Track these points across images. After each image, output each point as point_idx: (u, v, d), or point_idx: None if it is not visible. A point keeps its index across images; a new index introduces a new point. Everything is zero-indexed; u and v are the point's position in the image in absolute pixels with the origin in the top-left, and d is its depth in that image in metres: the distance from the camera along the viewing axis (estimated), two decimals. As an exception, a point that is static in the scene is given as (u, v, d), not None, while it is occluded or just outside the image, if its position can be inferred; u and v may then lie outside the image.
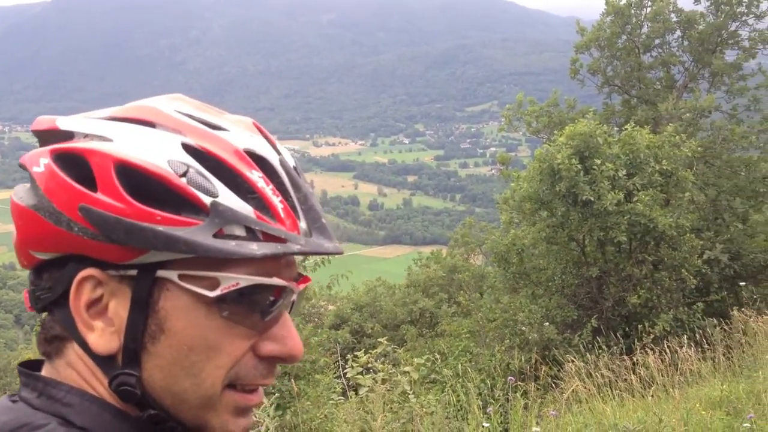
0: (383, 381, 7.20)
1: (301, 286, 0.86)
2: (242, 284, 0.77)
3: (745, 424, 5.47)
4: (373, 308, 17.45)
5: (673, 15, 14.39)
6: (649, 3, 14.40)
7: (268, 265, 0.79)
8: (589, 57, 14.81)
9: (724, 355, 8.10)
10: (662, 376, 7.58)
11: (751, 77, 14.33)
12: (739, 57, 14.14)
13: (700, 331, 9.22)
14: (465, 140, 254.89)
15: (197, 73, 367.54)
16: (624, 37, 14.56)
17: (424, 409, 6.64)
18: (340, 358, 8.05)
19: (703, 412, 6.04)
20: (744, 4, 13.93)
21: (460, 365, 9.02)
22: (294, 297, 0.85)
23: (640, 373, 7.80)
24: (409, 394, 7.03)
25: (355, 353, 7.67)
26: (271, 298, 0.81)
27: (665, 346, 8.18)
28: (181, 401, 0.79)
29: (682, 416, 5.89)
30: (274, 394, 6.29)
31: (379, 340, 8.12)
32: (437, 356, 9.42)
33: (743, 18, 14.09)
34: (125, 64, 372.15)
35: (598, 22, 14.71)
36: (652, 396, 6.97)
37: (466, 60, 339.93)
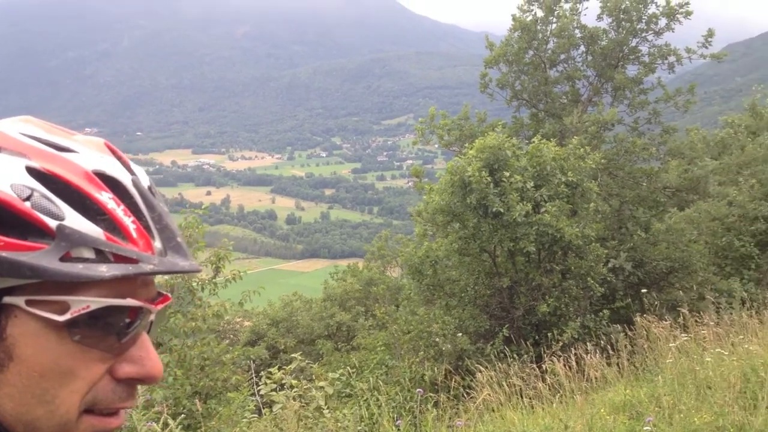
0: (299, 397, 7.15)
1: (159, 306, 0.85)
2: (93, 307, 0.76)
3: (645, 428, 5.65)
4: (290, 323, 17.32)
5: (577, 31, 14.83)
6: (554, 19, 14.82)
7: (121, 286, 0.79)
8: (498, 71, 15.12)
9: (628, 360, 8.35)
10: (570, 382, 7.77)
11: (651, 91, 14.88)
12: (639, 72, 14.67)
13: (606, 338, 9.51)
14: (382, 153, 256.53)
15: (107, 86, 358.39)
16: (531, 52, 14.95)
17: (339, 424, 6.63)
18: (254, 375, 7.95)
19: (608, 417, 6.23)
20: (644, 20, 14.47)
21: (375, 378, 9.04)
22: (152, 317, 0.84)
23: (549, 380, 7.97)
24: (323, 409, 7.00)
25: (269, 370, 7.60)
26: (127, 320, 0.80)
27: (573, 352, 8.39)
28: (34, 429, 0.77)
29: (587, 421, 6.05)
30: (181, 414, 6.15)
31: (293, 355, 8.06)
32: (352, 370, 9.42)
33: (643, 34, 14.63)
34: (31, 77, 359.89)
35: (506, 38, 15.06)
36: (560, 402, 7.13)
37: (381, 73, 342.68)
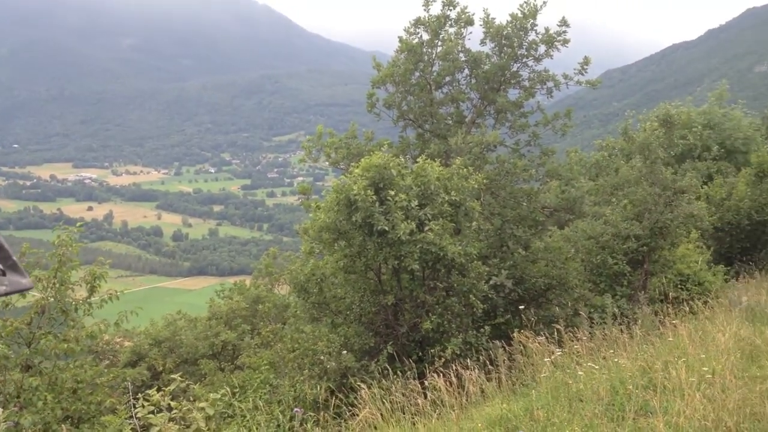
0: (180, 419, 7.00)
1: None
2: None
3: (518, 440, 5.85)
4: (173, 343, 16.89)
5: (461, 55, 15.23)
6: (440, 43, 15.19)
7: None
8: (385, 92, 15.34)
9: (506, 374, 8.61)
10: (451, 397, 7.93)
11: (531, 114, 15.45)
12: (520, 96, 15.21)
13: (487, 353, 9.77)
14: (272, 170, 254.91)
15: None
16: (417, 73, 15.24)
17: (219, 445, 6.53)
18: (132, 397, 7.72)
19: (484, 431, 6.40)
20: (524, 47, 15.04)
21: (257, 398, 8.95)
22: None
23: (430, 396, 8.11)
24: (204, 431, 6.88)
25: (147, 391, 7.40)
26: None
27: (455, 368, 8.57)
28: None
29: (464, 436, 6.18)
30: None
31: (172, 376, 7.87)
32: (236, 390, 9.29)
33: (524, 60, 15.19)
34: None
35: (393, 59, 15.31)
36: (439, 418, 7.26)
37: (272, 90, 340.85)
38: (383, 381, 9.03)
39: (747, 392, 6.73)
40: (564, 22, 14.91)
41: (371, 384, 9.09)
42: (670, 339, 9.27)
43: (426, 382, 8.37)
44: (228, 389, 8.34)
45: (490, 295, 11.79)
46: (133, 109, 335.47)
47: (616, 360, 8.31)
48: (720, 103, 32.54)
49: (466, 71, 15.40)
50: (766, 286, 13.73)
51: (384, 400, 7.89)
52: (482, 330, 11.09)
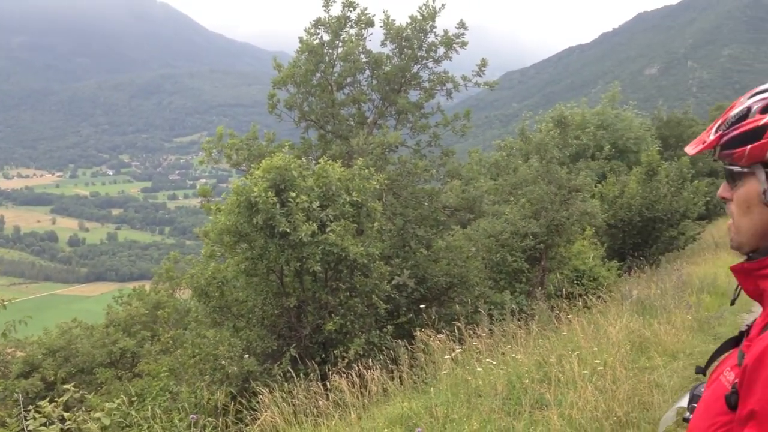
0: (77, 430, 6.78)
1: None
2: None
3: (416, 438, 5.92)
4: (68, 351, 16.27)
5: (362, 56, 15.29)
6: (340, 43, 15.20)
7: None
8: (287, 92, 15.25)
9: (408, 373, 8.69)
10: (354, 398, 7.96)
11: (432, 115, 15.66)
12: (421, 97, 15.39)
13: (390, 352, 9.85)
14: (174, 171, 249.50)
15: None
16: (318, 74, 15.20)
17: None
18: (24, 409, 7.41)
19: (385, 430, 6.45)
20: (424, 48, 15.22)
21: (156, 406, 8.75)
22: None
23: (333, 397, 8.12)
24: (100, 441, 6.69)
25: (39, 403, 7.12)
26: None
27: (357, 368, 8.60)
28: None
29: (366, 435, 6.21)
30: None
31: (65, 386, 7.60)
32: (134, 398, 9.06)
33: (423, 61, 15.38)
34: None
35: (294, 60, 15.21)
36: (341, 419, 7.27)
37: (173, 90, 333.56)
38: (286, 384, 8.99)
39: (636, 383, 7.01)
40: (462, 25, 15.18)
41: (273, 387, 9.04)
42: (565, 333, 9.58)
43: (328, 384, 8.37)
44: (125, 398, 8.13)
45: (392, 295, 11.89)
46: (25, 109, 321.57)
47: (513, 355, 8.51)
48: (612, 105, 33.86)
49: (368, 72, 15.47)
50: (655, 280, 14.31)
51: (286, 403, 7.85)
52: (385, 329, 11.17)
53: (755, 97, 1.57)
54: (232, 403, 8.57)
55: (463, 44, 15.14)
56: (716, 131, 1.61)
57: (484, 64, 15.17)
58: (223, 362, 10.17)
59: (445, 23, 15.42)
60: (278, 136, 15.81)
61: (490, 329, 10.21)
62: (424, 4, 15.01)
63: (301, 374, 9.37)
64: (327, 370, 9.41)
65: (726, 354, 1.64)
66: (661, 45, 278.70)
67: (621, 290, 14.83)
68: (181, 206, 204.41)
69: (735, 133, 1.55)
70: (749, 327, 1.60)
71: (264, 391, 8.20)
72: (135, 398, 9.97)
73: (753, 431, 1.33)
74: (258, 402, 8.27)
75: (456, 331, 9.86)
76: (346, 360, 9.77)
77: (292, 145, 14.23)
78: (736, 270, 1.62)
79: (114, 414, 7.40)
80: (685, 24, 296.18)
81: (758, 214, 1.54)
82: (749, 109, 1.55)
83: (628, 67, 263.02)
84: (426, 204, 14.26)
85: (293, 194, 10.22)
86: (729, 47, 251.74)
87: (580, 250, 18.51)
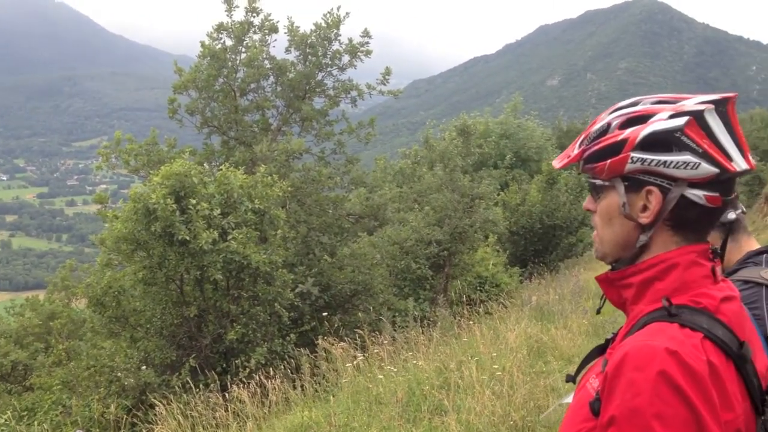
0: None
1: None
2: None
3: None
4: (-48, 366, 15.44)
5: (266, 62, 15.16)
6: (244, 49, 15.02)
7: None
8: (188, 97, 14.95)
9: (310, 381, 8.63)
10: (255, 408, 7.84)
11: (336, 123, 15.67)
12: (325, 104, 15.38)
13: (293, 361, 9.76)
14: (72, 177, 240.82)
15: None
16: (221, 79, 14.97)
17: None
18: None
19: (285, 440, 6.38)
20: (329, 56, 15.22)
21: (49, 420, 8.42)
22: None
23: (233, 408, 7.98)
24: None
25: None
26: None
27: (260, 378, 8.49)
28: None
29: (264, 446, 6.13)
30: None
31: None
32: (24, 413, 8.69)
33: (328, 69, 15.38)
34: None
35: (195, 64, 14.94)
36: (239, 430, 7.16)
37: (72, 92, 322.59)
38: (184, 395, 8.80)
39: (533, 387, 7.15)
40: (366, 33, 15.26)
41: (171, 399, 8.82)
42: (465, 339, 9.71)
43: (227, 395, 8.23)
44: (13, 413, 7.78)
45: (296, 303, 11.80)
46: None
47: (415, 362, 8.56)
48: (515, 114, 34.66)
49: (272, 79, 15.34)
50: (554, 286, 14.72)
51: (183, 416, 7.67)
52: (288, 338, 11.07)
53: (615, 113, 1.62)
54: (125, 416, 8.30)
55: (368, 53, 15.22)
56: (579, 146, 1.66)
57: (388, 72, 15.30)
58: (119, 374, 9.87)
59: (353, 32, 15.51)
60: (181, 141, 15.50)
61: (392, 336, 10.26)
62: (329, 12, 15.01)
63: (201, 385, 9.18)
64: (228, 380, 9.25)
65: (594, 361, 1.68)
66: (562, 57, 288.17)
67: (522, 296, 15.17)
68: (80, 213, 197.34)
69: (596, 148, 1.59)
70: (615, 335, 1.64)
71: (161, 403, 7.98)
72: (25, 413, 9.55)
73: None
74: (155, 415, 8.04)
75: (359, 338, 9.88)
76: (248, 369, 9.64)
77: (193, 150, 13.98)
78: (601, 280, 1.67)
79: (2, 429, 7.08)
80: (585, 37, 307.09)
81: (619, 225, 1.59)
82: (609, 124, 1.60)
83: (530, 78, 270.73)
84: (330, 211, 14.24)
85: (193, 201, 10.02)
86: (625, 60, 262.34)
87: (483, 257, 18.85)
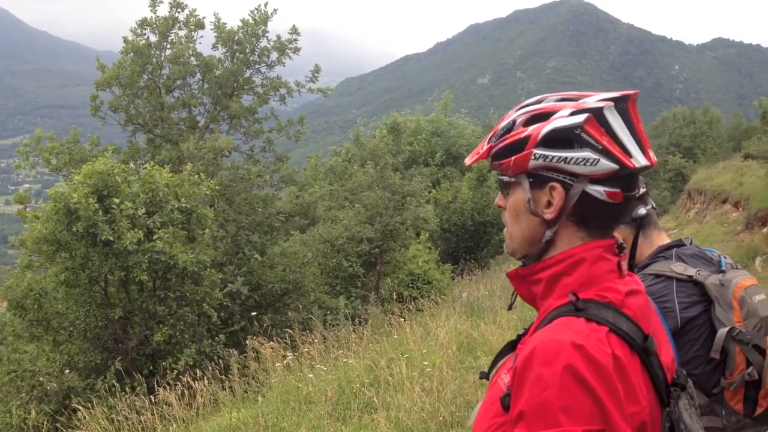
0: None
1: None
2: None
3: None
4: None
5: (193, 58, 14.90)
6: (169, 45, 14.73)
7: None
8: (112, 94, 14.58)
9: (238, 383, 8.52)
10: (183, 410, 7.70)
11: (266, 120, 15.50)
12: (254, 102, 15.19)
13: (223, 362, 9.62)
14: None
15: None
16: (145, 76, 14.64)
17: None
18: None
19: (211, 442, 6.28)
20: (256, 53, 15.04)
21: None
22: None
23: (161, 411, 7.83)
24: None
25: None
26: None
27: (189, 379, 8.34)
28: None
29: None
30: None
31: None
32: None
33: (256, 66, 15.20)
34: None
35: (119, 60, 14.57)
36: (165, 433, 7.03)
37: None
38: (110, 399, 8.60)
39: (462, 382, 7.21)
40: (294, 30, 15.13)
41: (96, 403, 8.61)
42: (396, 337, 9.73)
43: (153, 397, 8.07)
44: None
45: (225, 303, 11.64)
46: None
47: (345, 360, 8.55)
48: (445, 112, 34.91)
49: (198, 76, 15.08)
50: (484, 282, 14.88)
51: (108, 420, 7.49)
52: (217, 338, 10.92)
53: (521, 110, 1.63)
54: (46, 422, 8.06)
55: (296, 50, 15.10)
56: (488, 142, 1.66)
57: (317, 70, 15.21)
58: (42, 378, 9.57)
59: (284, 28, 15.33)
60: (107, 139, 15.12)
61: (323, 335, 10.22)
62: (256, 9, 14.84)
63: (128, 388, 8.99)
64: (155, 382, 9.06)
65: (507, 357, 1.68)
66: (492, 56, 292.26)
67: (453, 292, 15.30)
68: (2, 213, 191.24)
69: (502, 144, 1.60)
70: (527, 330, 1.65)
71: (87, 407, 7.78)
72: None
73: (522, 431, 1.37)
74: (78, 420, 7.83)
75: (289, 338, 9.81)
76: (176, 371, 9.47)
77: (117, 149, 13.65)
78: (511, 276, 1.68)
79: None
80: (514, 36, 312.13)
81: (526, 221, 1.60)
82: (514, 121, 1.61)
83: (461, 76, 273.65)
84: (260, 210, 14.09)
85: (117, 201, 9.78)
86: (553, 59, 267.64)
87: (415, 254, 18.93)
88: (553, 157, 1.50)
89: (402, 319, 11.40)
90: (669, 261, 2.57)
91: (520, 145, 1.55)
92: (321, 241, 16.10)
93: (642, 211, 2.67)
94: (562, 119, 1.52)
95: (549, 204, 1.54)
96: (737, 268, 2.61)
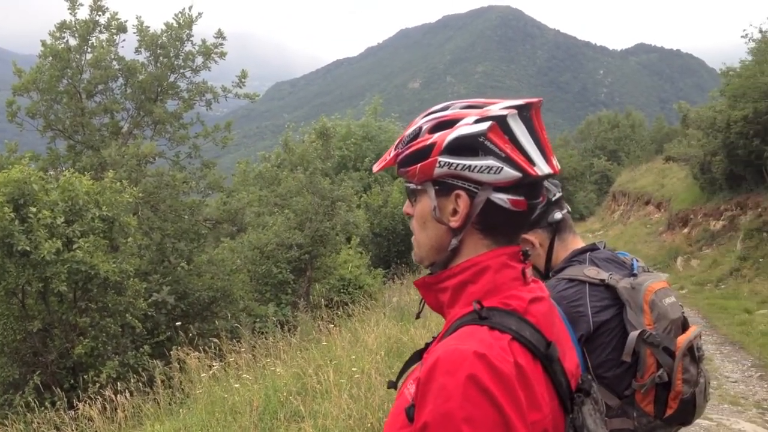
0: None
1: None
2: None
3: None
4: None
5: (115, 63, 14.53)
6: (89, 49, 14.33)
7: None
8: (29, 99, 14.10)
9: (162, 395, 8.33)
10: (106, 424, 7.50)
11: (192, 126, 15.24)
12: (179, 107, 14.90)
13: (147, 373, 9.40)
14: None
15: None
16: (65, 80, 14.21)
17: None
18: None
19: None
20: (181, 57, 14.77)
21: None
22: None
23: (83, 426, 7.61)
24: None
25: None
26: None
27: (111, 392, 8.13)
28: None
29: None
30: None
31: None
32: None
33: (181, 71, 14.92)
34: None
35: (36, 64, 14.10)
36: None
37: None
38: (28, 415, 8.33)
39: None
40: (220, 35, 14.92)
41: (14, 420, 8.33)
42: (325, 343, 9.68)
43: (74, 412, 7.83)
44: None
45: (150, 313, 11.38)
46: None
47: (273, 368, 8.45)
48: (375, 117, 35.01)
49: (121, 80, 14.71)
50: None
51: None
52: (142, 350, 10.67)
53: (427, 117, 1.61)
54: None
55: (222, 54, 14.89)
56: (395, 149, 1.65)
57: (244, 75, 15.03)
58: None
59: (211, 33, 15.11)
60: (25, 146, 14.61)
61: (251, 343, 10.09)
62: (180, 12, 14.58)
63: (47, 403, 8.71)
64: (76, 397, 8.80)
65: (415, 366, 1.66)
66: (423, 60, 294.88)
67: (384, 297, 15.31)
68: None
69: (408, 151, 1.59)
70: (435, 339, 1.63)
71: (2, 424, 7.52)
72: None
73: None
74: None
75: (216, 347, 9.66)
76: (98, 384, 9.21)
77: (35, 155, 13.22)
78: (418, 284, 1.67)
79: None
80: (444, 41, 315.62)
81: (432, 229, 1.59)
82: (420, 128, 1.60)
83: (393, 81, 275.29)
84: (186, 217, 13.82)
85: (34, 209, 9.46)
86: (482, 64, 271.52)
87: (346, 259, 18.88)
88: (458, 164, 1.49)
89: (332, 325, 11.36)
90: (582, 265, 2.59)
91: (426, 152, 1.54)
92: (250, 247, 15.90)
93: (558, 215, 2.69)
94: (466, 127, 1.51)
95: (455, 212, 1.53)
96: (649, 271, 2.64)
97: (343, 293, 17.36)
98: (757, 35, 21.40)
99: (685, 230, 24.97)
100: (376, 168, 1.72)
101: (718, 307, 15.41)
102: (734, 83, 20.36)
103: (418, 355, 1.68)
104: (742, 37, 21.65)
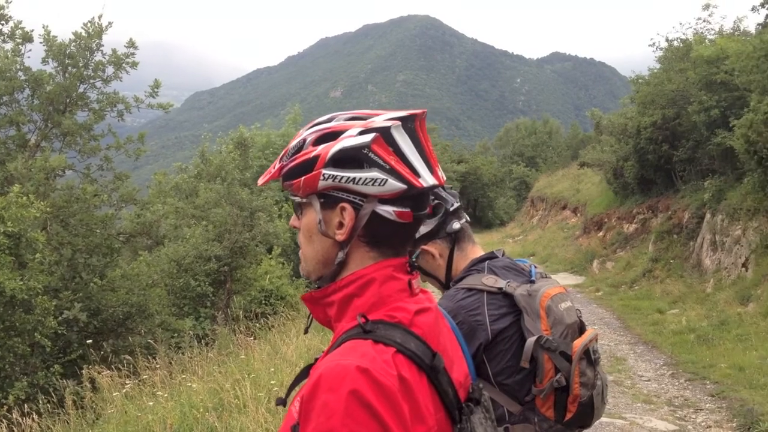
0: None
1: None
2: None
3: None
4: None
5: (20, 73, 14.04)
6: (-7, 59, 13.82)
7: None
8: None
9: (73, 415, 8.07)
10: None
11: (103, 137, 14.83)
12: (89, 118, 14.47)
13: (58, 393, 9.09)
14: None
15: None
16: (-33, 92, 13.66)
17: None
18: None
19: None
20: (91, 67, 14.37)
21: None
22: None
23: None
24: None
25: None
26: None
27: (20, 414, 7.84)
28: None
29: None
30: None
31: None
32: None
33: (91, 81, 14.50)
34: None
35: (-65, 75, 13.52)
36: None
37: None
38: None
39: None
40: (132, 44, 14.56)
41: None
42: (243, 357, 9.55)
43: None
44: None
45: (61, 331, 11.00)
46: None
47: (189, 384, 8.28)
48: (296, 126, 34.87)
49: (27, 91, 14.20)
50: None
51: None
52: (53, 369, 10.31)
53: (311, 129, 1.61)
54: None
55: (134, 64, 14.55)
56: (280, 162, 1.62)
57: (157, 85, 14.71)
58: None
59: (128, 40, 14.72)
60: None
61: (167, 359, 9.88)
62: (90, 21, 14.19)
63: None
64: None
65: (303, 382, 1.63)
66: (344, 69, 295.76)
67: (305, 308, 15.18)
68: None
69: (293, 164, 1.57)
70: (323, 352, 1.61)
71: None
72: None
73: None
74: None
75: (130, 364, 9.41)
76: (5, 407, 8.85)
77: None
78: (305, 299, 1.66)
79: None
80: (364, 50, 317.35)
81: (318, 242, 1.57)
82: (304, 141, 1.58)
83: (314, 90, 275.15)
84: (99, 231, 13.42)
85: (-68, 227, 9.05)
86: (403, 73, 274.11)
87: (267, 270, 18.70)
88: (342, 177, 1.48)
89: (251, 338, 11.22)
90: (481, 274, 2.61)
91: (310, 165, 1.52)
92: (167, 260, 15.58)
93: (456, 225, 2.71)
94: (350, 139, 1.50)
95: (340, 225, 1.52)
96: (547, 277, 2.68)
97: (264, 305, 17.19)
98: (664, 44, 22.26)
99: (600, 234, 25.69)
100: (261, 181, 1.69)
101: (632, 307, 15.91)
102: (643, 91, 21.11)
103: (305, 372, 1.66)
104: (649, 45, 22.49)
